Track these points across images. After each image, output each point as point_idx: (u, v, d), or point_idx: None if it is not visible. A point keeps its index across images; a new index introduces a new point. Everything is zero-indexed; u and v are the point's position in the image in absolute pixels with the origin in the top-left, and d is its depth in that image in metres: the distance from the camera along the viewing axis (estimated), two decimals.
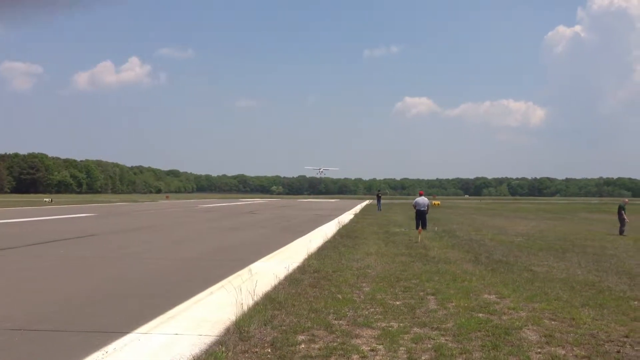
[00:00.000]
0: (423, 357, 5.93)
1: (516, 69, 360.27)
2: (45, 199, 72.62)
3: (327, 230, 23.19)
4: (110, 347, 6.01)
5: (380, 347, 6.24)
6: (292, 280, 10.21)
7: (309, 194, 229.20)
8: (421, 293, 9.36)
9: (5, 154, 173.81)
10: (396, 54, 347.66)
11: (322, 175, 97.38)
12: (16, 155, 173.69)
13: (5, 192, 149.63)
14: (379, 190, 67.64)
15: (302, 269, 11.73)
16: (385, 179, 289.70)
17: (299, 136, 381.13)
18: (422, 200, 24.59)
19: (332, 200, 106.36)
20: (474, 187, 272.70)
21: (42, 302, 8.47)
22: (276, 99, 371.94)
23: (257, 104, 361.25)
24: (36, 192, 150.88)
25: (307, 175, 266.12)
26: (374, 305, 8.30)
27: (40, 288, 9.76)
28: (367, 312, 7.84)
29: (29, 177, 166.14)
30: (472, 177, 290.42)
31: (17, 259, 13.46)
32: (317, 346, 6.21)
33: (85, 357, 5.65)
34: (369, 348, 6.19)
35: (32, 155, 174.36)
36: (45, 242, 17.43)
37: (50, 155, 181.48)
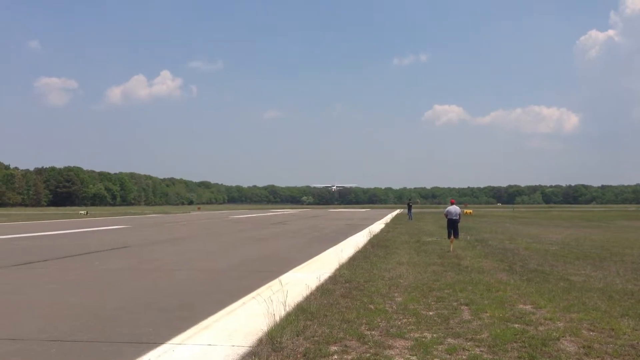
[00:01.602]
0: None
1: (548, 75, 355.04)
2: (80, 212, 74.13)
3: (358, 240, 23.11)
4: (144, 358, 6.06)
5: (414, 358, 6.17)
6: (324, 290, 10.18)
7: (339, 204, 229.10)
8: (454, 303, 9.23)
9: (42, 167, 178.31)
10: (425, 61, 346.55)
11: (335, 190, 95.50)
12: (53, 169, 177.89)
13: (43, 205, 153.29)
14: (409, 199, 67.21)
15: (333, 279, 11.70)
16: (415, 188, 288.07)
17: (328, 146, 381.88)
18: (454, 208, 24.33)
19: (363, 210, 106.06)
20: (507, 195, 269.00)
21: (77, 314, 8.60)
22: (304, 110, 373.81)
23: (285, 114, 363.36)
24: (72, 204, 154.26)
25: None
26: (407, 316, 8.22)
27: (75, 299, 9.92)
28: (399, 323, 7.76)
29: (65, 190, 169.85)
30: (504, 185, 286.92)
31: (52, 271, 13.72)
32: (349, 357, 6.16)
33: None
34: (403, 359, 6.12)
35: (68, 169, 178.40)
36: (80, 254, 17.74)
37: (85, 168, 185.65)
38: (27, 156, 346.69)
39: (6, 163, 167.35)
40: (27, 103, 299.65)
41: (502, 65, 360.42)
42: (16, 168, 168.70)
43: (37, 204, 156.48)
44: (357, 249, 18.54)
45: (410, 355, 6.26)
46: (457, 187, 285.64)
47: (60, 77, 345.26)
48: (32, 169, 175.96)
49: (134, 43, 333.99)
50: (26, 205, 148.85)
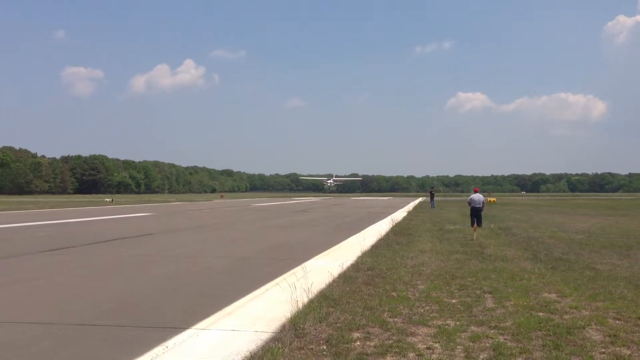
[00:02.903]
0: (481, 356, 5.81)
1: (574, 61, 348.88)
2: (106, 199, 75.19)
3: (380, 228, 23.08)
4: (170, 342, 6.15)
5: (437, 345, 6.16)
6: (346, 278, 10.20)
7: (361, 192, 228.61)
8: (478, 291, 9.18)
9: (69, 156, 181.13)
10: (449, 49, 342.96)
11: (332, 185, 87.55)
12: (78, 157, 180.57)
13: (69, 193, 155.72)
14: (432, 188, 66.90)
15: (356, 266, 11.72)
16: (438, 176, 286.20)
17: (350, 134, 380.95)
18: (477, 197, 24.13)
19: (385, 198, 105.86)
20: (531, 184, 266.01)
21: (103, 299, 8.75)
22: (326, 98, 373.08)
23: (307, 103, 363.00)
24: (97, 192, 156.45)
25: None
26: (430, 303, 8.20)
27: (101, 285, 10.09)
28: (422, 310, 7.75)
29: (91, 178, 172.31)
30: (528, 173, 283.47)
31: (79, 257, 13.96)
32: (372, 344, 6.18)
33: (147, 352, 5.80)
34: (425, 346, 6.11)
35: (94, 157, 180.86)
36: (106, 241, 18.02)
37: (110, 156, 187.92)
38: (54, 145, 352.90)
39: (33, 151, 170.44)
40: (54, 92, 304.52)
41: (527, 52, 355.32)
42: (43, 156, 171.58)
43: (63, 191, 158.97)
44: (379, 237, 18.53)
45: (433, 342, 6.25)
46: (480, 175, 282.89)
47: (86, 67, 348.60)
48: (58, 157, 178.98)
49: (158, 32, 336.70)
50: (53, 193, 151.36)
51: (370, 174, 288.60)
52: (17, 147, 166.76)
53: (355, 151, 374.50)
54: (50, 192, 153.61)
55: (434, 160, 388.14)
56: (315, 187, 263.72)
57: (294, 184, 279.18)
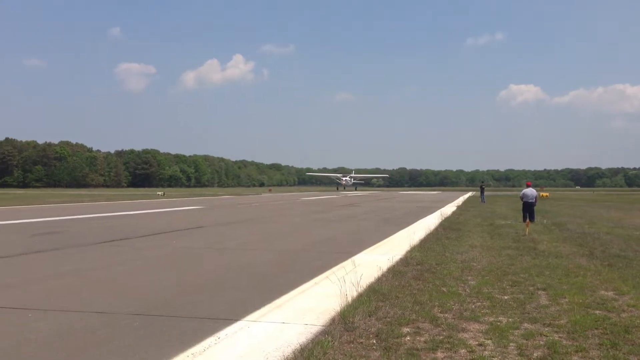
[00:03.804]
0: (535, 354, 5.68)
1: (633, 52, 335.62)
2: (158, 193, 77.01)
3: (429, 223, 22.86)
4: (222, 333, 6.26)
5: (489, 342, 6.05)
6: (395, 272, 10.15)
7: (409, 186, 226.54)
8: (531, 288, 8.97)
9: (122, 150, 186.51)
10: (501, 40, 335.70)
11: (347, 185, 72.74)
12: (132, 151, 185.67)
13: (122, 186, 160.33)
14: (482, 182, 65.73)
15: (405, 261, 11.64)
16: (488, 170, 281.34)
17: (398, 128, 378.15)
18: (530, 191, 23.60)
19: (433, 193, 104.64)
20: (586, 178, 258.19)
21: (157, 289, 8.98)
22: (374, 92, 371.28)
23: (355, 97, 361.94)
24: (149, 186, 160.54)
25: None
26: (481, 299, 8.07)
27: (154, 276, 10.36)
28: (473, 306, 7.63)
29: (143, 171, 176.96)
30: (583, 167, 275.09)
31: (134, 249, 14.35)
32: (422, 339, 6.12)
33: (199, 342, 5.92)
34: (477, 342, 6.02)
35: (146, 152, 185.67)
36: (158, 233, 18.47)
37: (161, 151, 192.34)
38: (109, 139, 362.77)
39: (89, 146, 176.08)
40: (109, 88, 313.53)
41: (583, 42, 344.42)
42: (98, 151, 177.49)
43: (117, 185, 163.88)
44: (428, 232, 18.35)
45: (485, 339, 6.15)
46: (532, 169, 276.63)
47: (140, 63, 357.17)
48: (113, 151, 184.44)
49: (209, 28, 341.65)
50: (107, 186, 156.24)
51: (418, 167, 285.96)
52: (73, 141, 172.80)
53: (403, 145, 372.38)
54: (105, 185, 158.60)
55: (484, 154, 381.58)
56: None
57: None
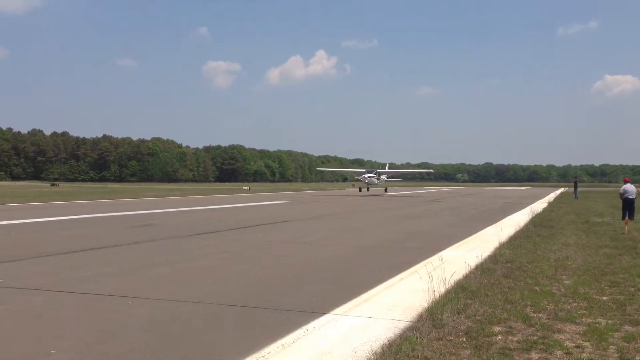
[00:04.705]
0: (637, 358, 5.35)
1: None
2: (243, 187, 79.12)
3: (518, 219, 22.09)
4: (310, 326, 6.32)
5: (587, 344, 5.76)
6: (484, 269, 9.87)
7: (496, 182, 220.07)
8: (631, 289, 8.46)
9: (210, 146, 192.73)
10: (595, 28, 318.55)
11: (371, 184, 53.12)
12: (218, 147, 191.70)
13: (210, 181, 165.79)
14: (575, 177, 62.87)
15: (493, 258, 11.30)
16: (581, 165, 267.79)
17: (483, 122, 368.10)
18: (630, 187, 22.33)
19: (522, 188, 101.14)
20: None
21: (244, 282, 9.22)
22: (458, 85, 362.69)
23: (439, 90, 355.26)
24: (235, 180, 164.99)
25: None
26: (577, 300, 7.69)
27: (242, 268, 10.63)
28: (569, 307, 7.28)
29: (230, 167, 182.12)
30: None
31: (222, 242, 14.79)
32: (515, 339, 5.92)
33: (288, 334, 6.00)
34: (574, 344, 5.74)
35: (232, 147, 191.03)
36: (245, 227, 18.94)
37: (247, 146, 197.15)
38: (197, 135, 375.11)
39: (179, 142, 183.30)
40: (197, 86, 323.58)
41: None
42: (187, 147, 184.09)
43: (205, 179, 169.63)
44: (517, 228, 17.73)
45: (583, 341, 5.86)
46: (630, 164, 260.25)
47: (226, 61, 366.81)
48: (201, 147, 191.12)
49: (292, 25, 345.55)
50: (196, 181, 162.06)
51: (505, 162, 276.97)
52: (164, 138, 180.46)
53: (488, 139, 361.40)
54: (193, 180, 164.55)
55: (576, 148, 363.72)
56: (446, 176, 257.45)
57: (424, 173, 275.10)
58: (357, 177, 58.31)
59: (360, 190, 57.00)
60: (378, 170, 56.87)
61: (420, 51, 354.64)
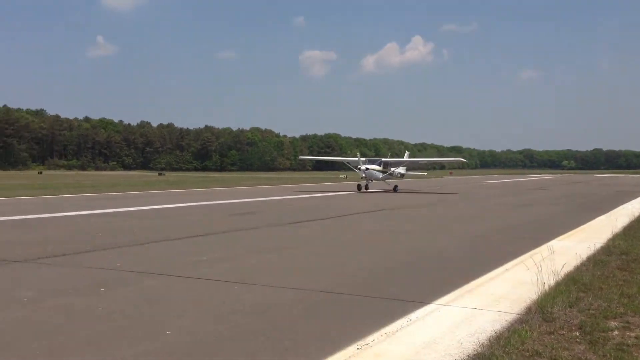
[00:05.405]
0: None
1: None
2: (340, 176, 79.49)
3: (633, 208, 20.74)
4: (412, 315, 6.26)
5: None
6: (596, 261, 9.34)
7: (606, 169, 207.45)
8: None
9: (306, 134, 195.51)
10: None
11: (370, 177, 39.14)
12: (315, 135, 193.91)
13: (307, 170, 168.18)
14: None
15: (606, 249, 10.66)
16: None
17: (591, 106, 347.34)
18: None
19: (635, 176, 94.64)
20: None
21: (345, 270, 9.29)
22: (564, 66, 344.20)
23: (542, 73, 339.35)
24: (332, 169, 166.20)
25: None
26: None
27: (342, 256, 10.72)
28: None
29: (326, 155, 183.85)
30: None
31: (321, 230, 15.00)
32: (633, 334, 5.56)
33: (392, 322, 5.98)
34: None
35: (328, 136, 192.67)
36: (344, 215, 19.07)
37: (343, 135, 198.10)
38: (294, 124, 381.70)
39: (277, 131, 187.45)
40: (294, 75, 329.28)
41: None
42: (285, 136, 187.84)
43: (302, 168, 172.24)
44: (632, 219, 16.64)
45: None
46: None
47: (321, 50, 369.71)
48: (298, 136, 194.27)
49: (388, 11, 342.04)
50: (293, 170, 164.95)
51: (615, 148, 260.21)
52: (263, 127, 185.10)
53: (596, 124, 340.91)
54: (291, 169, 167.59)
55: None
56: (551, 163, 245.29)
57: (527, 160, 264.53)
58: (350, 165, 42.11)
59: (359, 188, 38.34)
60: (383, 160, 40.60)
61: (523, 29, 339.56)
